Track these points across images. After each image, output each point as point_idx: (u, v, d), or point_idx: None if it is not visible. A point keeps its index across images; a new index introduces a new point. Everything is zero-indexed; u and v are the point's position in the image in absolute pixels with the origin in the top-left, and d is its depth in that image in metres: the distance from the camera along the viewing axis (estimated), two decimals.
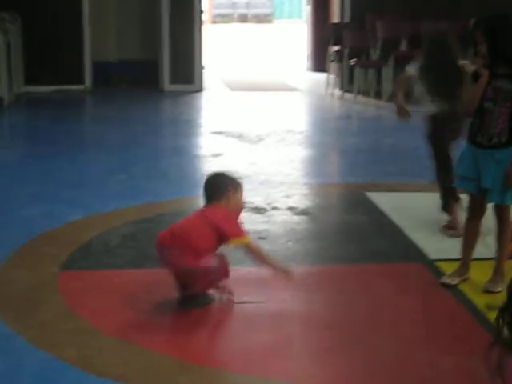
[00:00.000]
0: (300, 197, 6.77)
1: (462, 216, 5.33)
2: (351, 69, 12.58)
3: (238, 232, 4.33)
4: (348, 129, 10.56)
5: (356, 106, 11.82)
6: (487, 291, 4.62)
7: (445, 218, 5.80)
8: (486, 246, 5.06)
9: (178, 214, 6.17)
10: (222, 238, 4.30)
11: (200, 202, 6.70)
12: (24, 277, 4.86)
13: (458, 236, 5.17)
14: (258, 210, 6.24)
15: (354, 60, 12.48)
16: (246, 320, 4.24)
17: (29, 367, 3.77)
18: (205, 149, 8.97)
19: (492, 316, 2.55)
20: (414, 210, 6.25)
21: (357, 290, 4.75)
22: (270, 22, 39.66)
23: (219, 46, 22.68)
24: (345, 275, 5.02)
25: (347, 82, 12.66)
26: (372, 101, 12.22)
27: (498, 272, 4.69)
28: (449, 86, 5.70)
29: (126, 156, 8.32)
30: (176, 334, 4.09)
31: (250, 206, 6.35)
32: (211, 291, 4.41)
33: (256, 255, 4.40)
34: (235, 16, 40.16)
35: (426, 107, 5.92)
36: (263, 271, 4.51)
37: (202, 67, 13.33)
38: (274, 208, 6.33)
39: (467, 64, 5.66)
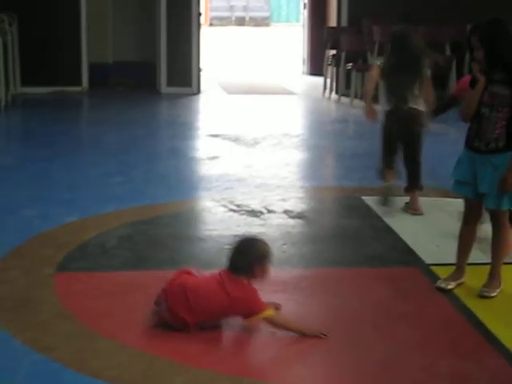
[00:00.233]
0: (296, 200, 6.78)
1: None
2: (348, 73, 12.59)
3: (261, 308, 4.12)
4: (344, 132, 10.57)
5: (353, 109, 11.81)
6: (482, 296, 4.64)
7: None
8: (481, 251, 5.08)
9: (174, 216, 6.20)
10: (235, 313, 4.14)
11: (196, 204, 6.79)
12: (20, 278, 4.85)
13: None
14: (254, 213, 6.25)
15: (350, 64, 12.50)
16: (241, 323, 4.23)
17: (24, 369, 3.76)
18: (201, 151, 8.97)
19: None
20: (410, 214, 6.28)
21: (352, 293, 4.75)
22: (267, 25, 39.65)
23: (216, 49, 22.67)
24: (340, 279, 5.03)
25: (344, 86, 12.67)
26: None
27: (493, 277, 4.69)
28: (403, 87, 6.12)
29: (122, 158, 8.32)
30: (172, 337, 4.09)
31: (245, 209, 6.37)
32: None
33: (281, 327, 4.15)
34: (233, 19, 40.17)
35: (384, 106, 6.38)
36: None
37: (199, 70, 13.34)
38: (270, 211, 6.34)
39: (426, 69, 6.13)
